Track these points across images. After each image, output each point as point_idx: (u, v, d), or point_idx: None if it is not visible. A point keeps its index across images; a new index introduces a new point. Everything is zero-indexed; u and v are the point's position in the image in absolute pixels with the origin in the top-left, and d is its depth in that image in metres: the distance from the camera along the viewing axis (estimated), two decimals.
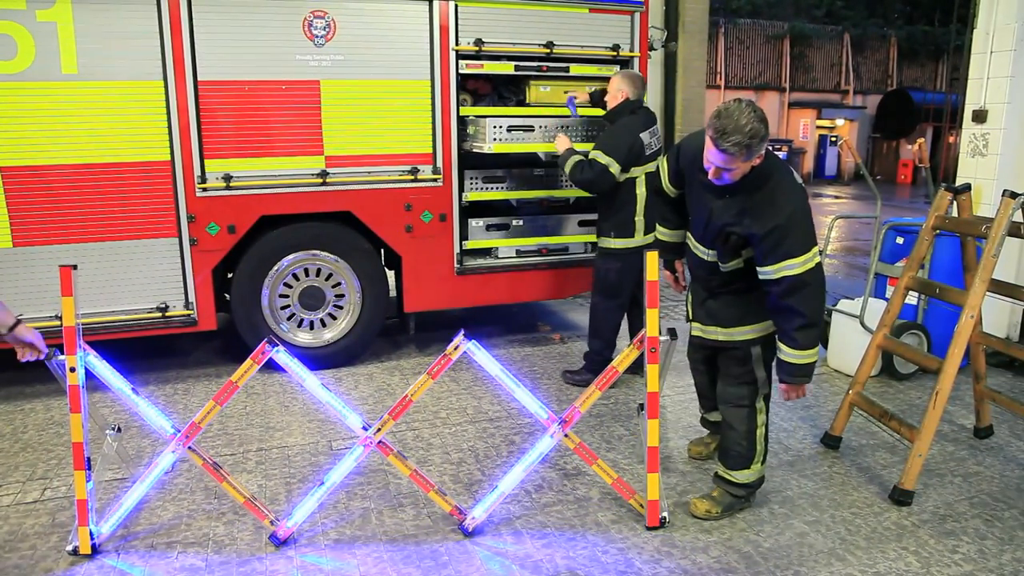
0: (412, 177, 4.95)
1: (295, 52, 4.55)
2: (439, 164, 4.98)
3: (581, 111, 5.07)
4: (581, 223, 5.43)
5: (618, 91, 4.54)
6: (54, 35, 4.11)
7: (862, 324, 4.82)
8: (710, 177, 2.84)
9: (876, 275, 5.09)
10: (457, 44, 4.86)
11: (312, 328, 5.11)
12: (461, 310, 6.02)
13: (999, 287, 3.73)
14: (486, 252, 5.36)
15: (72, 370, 2.81)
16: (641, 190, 4.52)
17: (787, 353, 2.95)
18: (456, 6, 4.80)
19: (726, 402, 3.26)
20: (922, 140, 7.23)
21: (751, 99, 2.84)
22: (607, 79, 4.76)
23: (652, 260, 2.93)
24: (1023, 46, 5.08)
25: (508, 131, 4.89)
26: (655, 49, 5.76)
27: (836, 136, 27.78)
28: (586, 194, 4.91)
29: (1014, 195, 3.38)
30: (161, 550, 2.99)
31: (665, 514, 3.18)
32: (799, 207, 2.84)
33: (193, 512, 3.28)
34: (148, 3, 4.25)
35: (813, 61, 28.39)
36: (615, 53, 5.24)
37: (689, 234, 3.24)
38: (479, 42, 4.89)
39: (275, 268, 4.87)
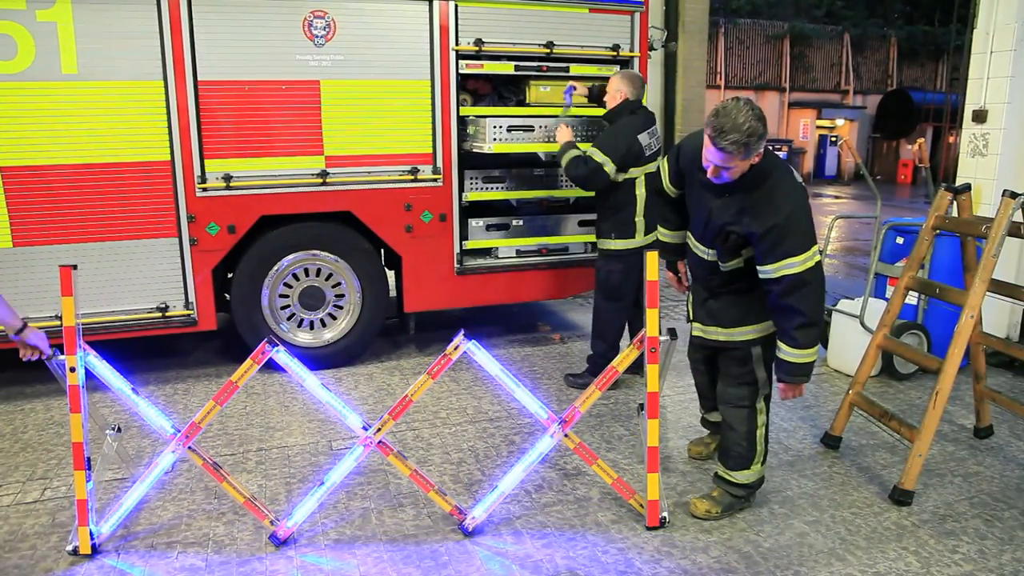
0: (412, 177, 4.95)
1: (295, 52, 4.55)
2: (439, 164, 4.99)
3: (578, 111, 5.06)
4: (581, 223, 5.43)
5: (617, 91, 4.53)
6: (54, 35, 4.11)
7: (862, 324, 4.82)
8: (709, 175, 2.84)
9: (876, 275, 5.09)
10: (457, 44, 4.86)
11: (312, 328, 5.11)
12: (461, 310, 6.02)
13: (999, 287, 3.73)
14: (486, 252, 5.36)
15: (72, 370, 2.82)
16: (641, 191, 4.52)
17: (786, 352, 2.95)
18: (456, 6, 4.80)
19: (726, 402, 3.26)
20: (922, 140, 7.24)
21: (750, 98, 2.84)
22: (607, 79, 4.76)
23: (652, 260, 2.93)
24: (1023, 46, 5.08)
25: (508, 131, 4.89)
26: (655, 49, 5.75)
27: (836, 136, 27.77)
28: (586, 193, 4.91)
29: (1014, 195, 3.38)
30: (161, 550, 3.00)
31: (665, 514, 3.18)
32: (799, 206, 2.84)
33: (193, 512, 3.28)
34: (148, 3, 4.25)
35: (813, 61, 28.39)
36: (615, 53, 5.24)
37: (689, 233, 3.24)
38: (479, 42, 4.89)
39: (275, 268, 4.87)
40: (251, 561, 2.92)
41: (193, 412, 3.47)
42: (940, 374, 3.39)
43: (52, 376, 2.91)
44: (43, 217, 4.29)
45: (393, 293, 5.42)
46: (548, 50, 5.05)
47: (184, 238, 4.57)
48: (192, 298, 4.66)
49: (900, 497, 3.38)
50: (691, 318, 3.40)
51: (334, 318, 5.13)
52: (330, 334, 5.13)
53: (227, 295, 4.98)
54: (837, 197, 21.51)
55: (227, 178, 4.57)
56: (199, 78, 4.41)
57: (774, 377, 3.12)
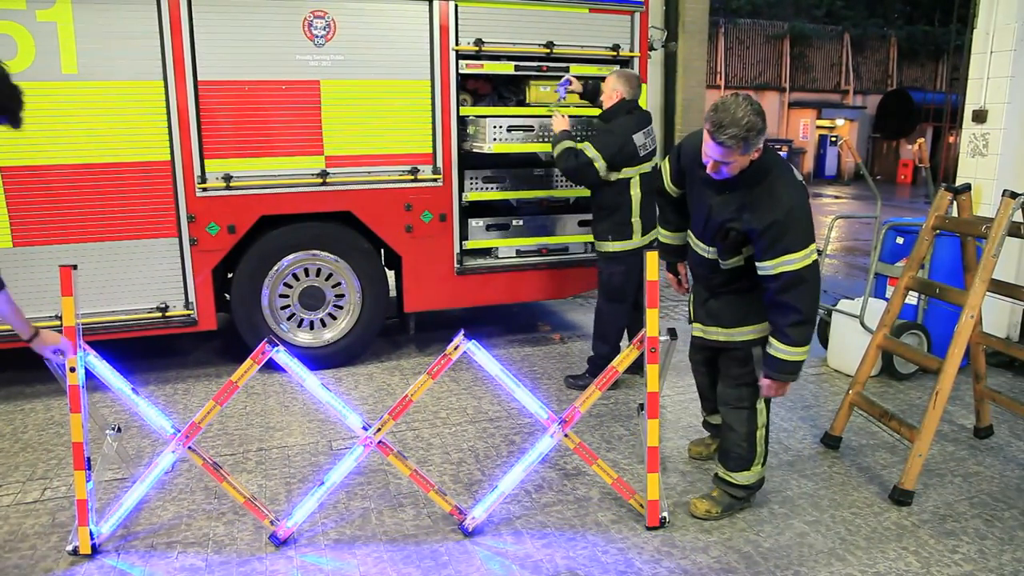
0: (412, 177, 4.95)
1: (295, 52, 4.55)
2: (439, 164, 4.99)
3: (573, 111, 5.04)
4: (581, 223, 5.43)
5: (614, 91, 4.51)
6: (54, 35, 4.11)
7: (862, 324, 4.82)
8: (708, 171, 2.85)
9: (876, 275, 5.09)
10: (457, 44, 4.86)
11: (312, 328, 5.11)
12: (461, 310, 6.02)
13: (999, 287, 3.73)
14: (486, 252, 5.36)
15: (72, 370, 2.82)
16: (635, 191, 4.50)
17: (778, 348, 2.94)
18: (456, 6, 4.80)
19: (726, 403, 3.26)
20: (922, 140, 7.24)
21: (749, 94, 2.84)
22: (603, 77, 4.75)
23: (652, 260, 2.93)
24: (1023, 46, 5.08)
25: (508, 131, 4.89)
26: (655, 49, 5.75)
27: (836, 136, 27.76)
28: (585, 192, 4.90)
29: (1014, 195, 3.38)
30: (161, 550, 3.00)
31: (665, 514, 3.18)
32: (798, 203, 2.84)
33: (193, 512, 3.28)
34: (148, 3, 4.25)
35: (813, 61, 28.38)
36: (615, 53, 5.24)
37: (690, 232, 3.24)
38: (479, 42, 4.89)
39: (275, 268, 4.87)
40: (251, 561, 2.92)
41: (193, 412, 3.47)
42: (940, 374, 3.39)
43: (52, 376, 2.91)
44: (43, 217, 4.29)
45: (393, 293, 5.42)
46: (548, 50, 5.05)
47: (184, 238, 4.57)
48: (192, 298, 4.66)
49: (900, 497, 3.38)
50: (692, 319, 3.40)
51: (334, 318, 5.13)
52: (330, 334, 5.13)
53: (227, 295, 4.98)
54: (837, 197, 21.52)
55: (227, 178, 4.57)
56: (199, 78, 4.41)
57: (754, 374, 3.11)
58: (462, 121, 5.04)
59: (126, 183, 4.41)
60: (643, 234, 4.57)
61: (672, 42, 9.03)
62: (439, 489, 3.16)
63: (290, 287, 4.97)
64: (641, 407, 3.14)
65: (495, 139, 4.86)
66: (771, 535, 3.14)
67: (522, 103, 5.33)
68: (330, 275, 5.04)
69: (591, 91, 4.89)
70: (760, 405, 3.19)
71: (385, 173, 4.89)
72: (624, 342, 4.78)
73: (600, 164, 4.36)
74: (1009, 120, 5.17)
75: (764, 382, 3.05)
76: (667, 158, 3.35)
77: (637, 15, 5.26)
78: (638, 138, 4.46)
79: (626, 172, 4.46)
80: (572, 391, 4.73)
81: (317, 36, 4.58)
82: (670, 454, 3.86)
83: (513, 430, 4.15)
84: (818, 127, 28.61)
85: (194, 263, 4.62)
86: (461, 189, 5.09)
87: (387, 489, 3.48)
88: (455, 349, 2.92)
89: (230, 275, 4.91)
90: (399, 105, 4.83)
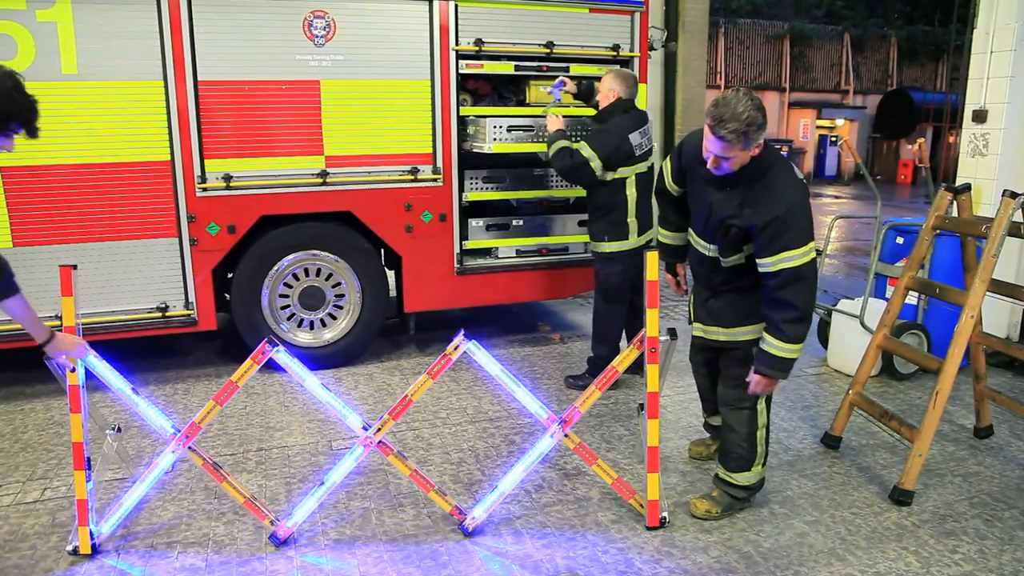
0: (412, 177, 4.95)
1: (295, 52, 4.55)
2: (439, 164, 4.98)
3: (570, 111, 5.03)
4: (581, 223, 5.42)
5: (610, 91, 4.49)
6: (54, 35, 4.11)
7: (862, 324, 4.82)
8: (709, 166, 2.85)
9: (876, 275, 5.09)
10: (457, 44, 4.86)
11: (312, 328, 5.11)
12: (461, 310, 6.02)
13: (999, 287, 3.73)
14: (486, 252, 5.36)
15: (72, 370, 2.82)
16: (631, 191, 4.49)
17: (772, 344, 2.93)
18: (456, 6, 4.80)
19: (727, 404, 3.25)
20: (922, 140, 7.24)
21: (750, 90, 2.85)
22: (597, 77, 4.73)
23: (652, 260, 2.93)
24: (1023, 46, 5.08)
25: (508, 131, 4.89)
26: (655, 49, 5.75)
27: (836, 136, 27.75)
28: (584, 193, 4.90)
29: (1014, 195, 3.38)
30: (161, 550, 3.00)
31: (665, 514, 3.18)
32: (799, 200, 2.85)
33: (193, 512, 3.28)
34: (148, 3, 4.25)
35: (813, 61, 28.37)
36: (615, 53, 5.24)
37: (691, 230, 3.24)
38: (479, 42, 4.89)
39: (275, 268, 4.87)
40: (251, 561, 2.92)
41: (193, 412, 3.47)
42: (940, 374, 3.39)
43: (52, 376, 2.91)
44: (43, 217, 4.29)
45: (393, 293, 5.42)
46: (548, 50, 5.05)
47: (184, 238, 4.57)
48: (192, 298, 4.66)
49: (900, 497, 3.38)
50: (692, 319, 3.40)
51: (334, 318, 5.13)
52: (330, 334, 5.13)
53: (227, 295, 4.98)
54: (837, 197, 21.52)
55: (227, 178, 4.57)
56: (199, 78, 4.41)
57: (750, 375, 3.09)
58: (462, 121, 5.04)
59: (126, 183, 4.41)
60: (639, 234, 4.56)
61: (672, 42, 9.02)
62: (439, 489, 3.16)
63: (290, 287, 4.97)
64: (641, 407, 3.14)
65: (495, 139, 4.86)
66: (771, 535, 3.14)
67: (522, 103, 5.32)
68: (330, 275, 5.04)
69: (585, 91, 4.87)
70: (761, 406, 3.19)
71: (385, 173, 4.89)
72: (623, 342, 4.78)
73: (596, 164, 4.35)
74: (1009, 120, 5.17)
75: (753, 378, 3.03)
76: (668, 157, 3.35)
77: (637, 15, 5.26)
78: (634, 138, 4.44)
79: (622, 172, 4.45)
80: (572, 391, 4.73)
81: (317, 36, 4.58)
82: (670, 454, 3.86)
83: (513, 430, 4.15)
84: (818, 127, 28.61)
85: (194, 263, 4.62)
86: (461, 189, 5.09)
87: (387, 489, 3.48)
88: (455, 349, 2.92)
89: (230, 275, 4.91)
90: (399, 105, 4.83)
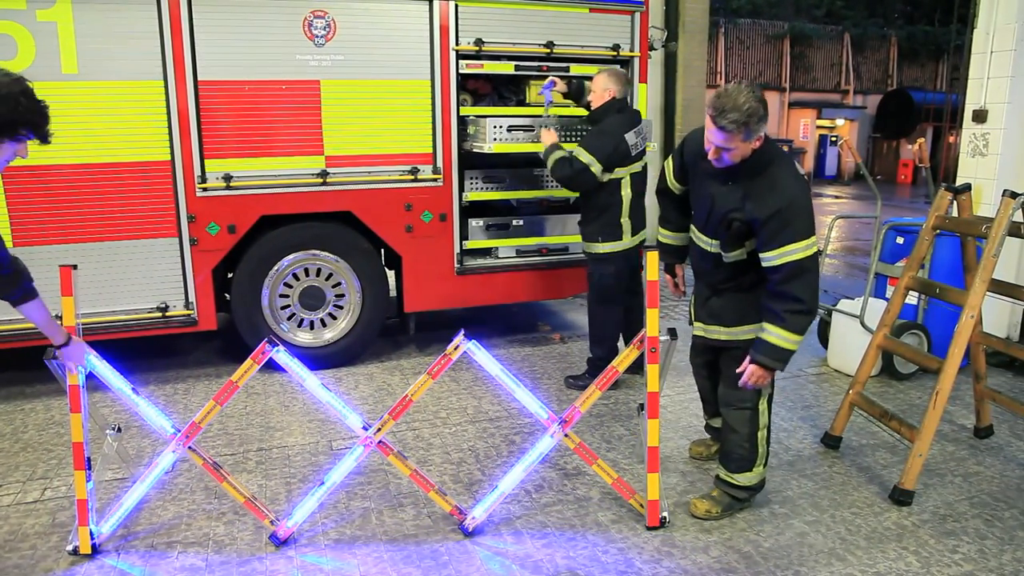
0: (412, 177, 4.95)
1: (295, 52, 4.55)
2: (439, 164, 4.98)
3: (558, 111, 5.00)
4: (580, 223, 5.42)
5: (604, 90, 4.45)
6: (54, 35, 4.11)
7: (862, 324, 4.82)
8: (710, 157, 2.86)
9: (876, 275, 5.09)
10: (457, 44, 4.86)
11: (312, 328, 5.11)
12: (461, 310, 6.02)
13: (999, 287, 3.73)
14: (486, 252, 5.36)
15: (72, 370, 2.82)
16: (626, 191, 4.48)
17: (773, 332, 2.90)
18: (456, 6, 4.80)
19: (728, 404, 3.25)
20: (922, 140, 7.23)
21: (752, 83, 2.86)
22: (588, 77, 4.71)
23: (652, 260, 2.93)
24: (1023, 46, 5.08)
25: (508, 131, 4.88)
26: (655, 49, 5.74)
27: (836, 136, 27.75)
28: (578, 193, 4.89)
29: (1014, 195, 3.38)
30: (161, 550, 3.00)
31: (665, 514, 3.18)
32: (800, 194, 2.87)
33: (193, 512, 3.28)
34: (148, 3, 4.25)
35: (813, 61, 28.37)
36: (615, 53, 5.23)
37: (693, 226, 3.24)
38: (479, 42, 4.89)
39: (275, 268, 4.87)
40: (251, 561, 2.92)
41: (193, 412, 3.47)
42: (940, 374, 3.38)
43: (52, 376, 2.91)
44: (43, 217, 4.29)
45: (393, 293, 5.42)
46: (548, 50, 5.05)
47: (184, 238, 4.57)
48: (192, 298, 4.66)
49: (900, 497, 3.38)
50: (693, 319, 3.40)
51: (334, 318, 5.13)
52: (330, 334, 5.13)
53: (227, 295, 4.98)
54: (837, 197, 21.51)
55: (227, 178, 4.57)
56: (199, 78, 4.41)
57: (776, 377, 3.08)
58: (462, 121, 5.04)
59: (126, 183, 4.41)
60: (632, 235, 4.56)
61: (672, 42, 9.02)
62: (439, 489, 3.16)
63: (290, 287, 4.97)
64: (641, 407, 3.14)
65: (495, 139, 4.85)
66: (771, 535, 3.14)
67: (522, 103, 5.32)
68: (330, 275, 5.04)
69: (576, 91, 4.84)
70: (762, 406, 3.19)
71: (385, 173, 4.89)
72: (620, 343, 4.78)
73: (596, 168, 4.33)
74: (1009, 120, 5.17)
75: (748, 368, 2.98)
76: (670, 156, 3.36)
77: (637, 15, 5.26)
78: (630, 137, 4.43)
79: (618, 172, 4.44)
80: (572, 391, 4.73)
81: (317, 36, 4.58)
82: (670, 454, 3.86)
83: (513, 430, 4.15)
84: (818, 127, 28.60)
85: (194, 263, 4.62)
86: (461, 189, 5.09)
87: (387, 489, 3.48)
88: (455, 349, 2.92)
89: (230, 275, 4.91)
90: (399, 105, 4.83)
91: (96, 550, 2.96)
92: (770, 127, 2.96)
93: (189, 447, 2.97)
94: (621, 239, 4.53)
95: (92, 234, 4.41)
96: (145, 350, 5.31)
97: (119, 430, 3.14)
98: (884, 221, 5.29)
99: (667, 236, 3.53)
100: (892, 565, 2.93)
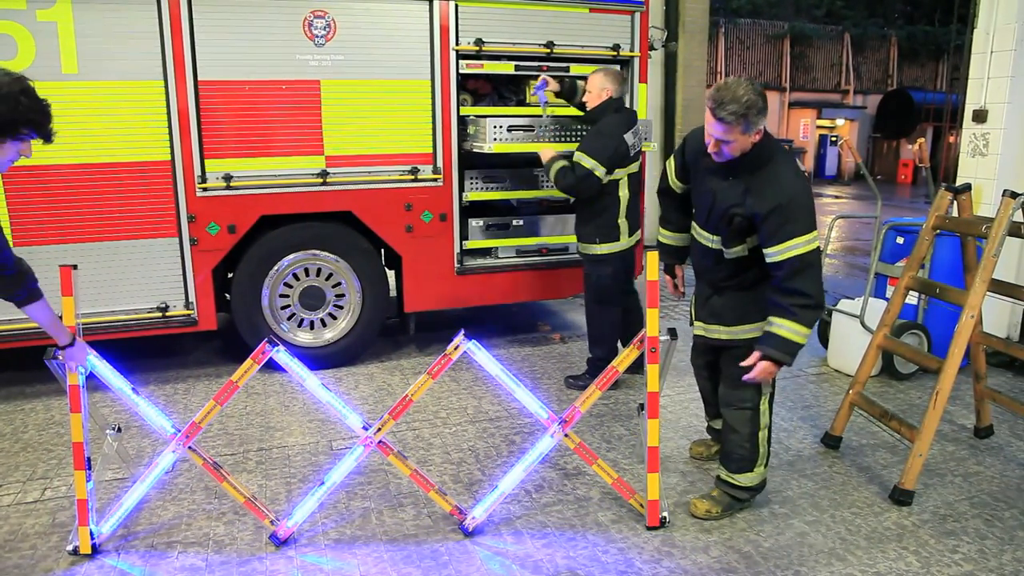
0: (412, 177, 4.95)
1: (295, 52, 4.55)
2: (439, 164, 4.98)
3: (555, 111, 4.98)
4: None
5: (602, 89, 4.41)
6: (54, 35, 4.11)
7: (862, 324, 4.82)
8: (710, 150, 2.88)
9: (876, 275, 5.08)
10: (457, 44, 4.86)
11: (312, 328, 5.11)
12: (461, 310, 6.02)
13: (999, 287, 3.73)
14: (486, 252, 5.36)
15: (72, 370, 2.81)
16: (624, 192, 4.47)
17: (783, 326, 2.88)
18: (456, 6, 4.80)
19: (729, 405, 3.25)
20: (922, 140, 7.23)
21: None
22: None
23: (652, 260, 2.93)
24: (1023, 46, 5.08)
25: (508, 131, 4.88)
26: (655, 49, 5.74)
27: (836, 136, 27.75)
28: None
29: (1014, 195, 3.38)
30: (161, 550, 3.00)
31: (665, 514, 3.18)
32: (801, 189, 2.88)
33: (193, 512, 3.28)
34: (148, 3, 4.25)
35: (813, 61, 28.37)
36: (615, 53, 5.23)
37: (694, 223, 3.24)
38: (479, 42, 4.89)
39: (275, 268, 4.87)
40: (251, 561, 2.92)
41: (193, 412, 3.47)
42: (940, 374, 3.38)
43: (52, 376, 2.91)
44: (43, 217, 4.29)
45: (393, 293, 5.42)
46: (548, 50, 5.05)
47: (184, 238, 4.57)
48: (192, 298, 4.66)
49: (900, 497, 3.38)
50: (693, 319, 3.40)
51: (334, 318, 5.13)
52: (330, 334, 5.13)
53: (227, 295, 4.98)
54: (837, 197, 21.51)
55: (227, 178, 4.57)
56: (199, 78, 4.41)
57: (777, 376, 3.07)
58: (462, 121, 5.04)
59: (126, 183, 4.41)
60: (629, 235, 4.55)
61: (672, 42, 9.03)
62: (439, 489, 3.16)
63: (290, 287, 4.97)
64: (641, 407, 3.13)
65: (495, 139, 4.85)
66: (771, 535, 3.14)
67: (522, 103, 5.33)
68: (330, 275, 5.04)
69: (568, 89, 4.79)
70: (763, 406, 3.19)
71: (385, 173, 4.89)
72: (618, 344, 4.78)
73: (599, 171, 4.30)
74: (1009, 120, 5.17)
75: (761, 364, 2.93)
76: (672, 156, 3.37)
77: (637, 15, 5.26)
78: (628, 137, 4.42)
79: (617, 173, 4.42)
80: (572, 391, 4.73)
81: (317, 36, 4.58)
82: (670, 454, 3.85)
83: (513, 430, 4.15)
84: (818, 127, 28.60)
85: (194, 263, 4.62)
86: (461, 189, 5.09)
87: (387, 489, 3.48)
88: (455, 349, 2.92)
89: (230, 275, 4.91)
90: (399, 105, 4.83)
91: (96, 550, 2.96)
92: (770, 127, 2.97)
93: (189, 447, 2.97)
94: (619, 240, 4.52)
95: (92, 234, 4.41)
96: (145, 350, 5.31)
97: (119, 430, 3.14)
98: (884, 221, 5.29)
99: (668, 237, 3.53)
100: (892, 565, 2.93)
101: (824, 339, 5.45)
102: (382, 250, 5.19)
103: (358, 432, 3.02)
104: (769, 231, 2.85)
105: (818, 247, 2.86)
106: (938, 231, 3.87)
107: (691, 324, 3.43)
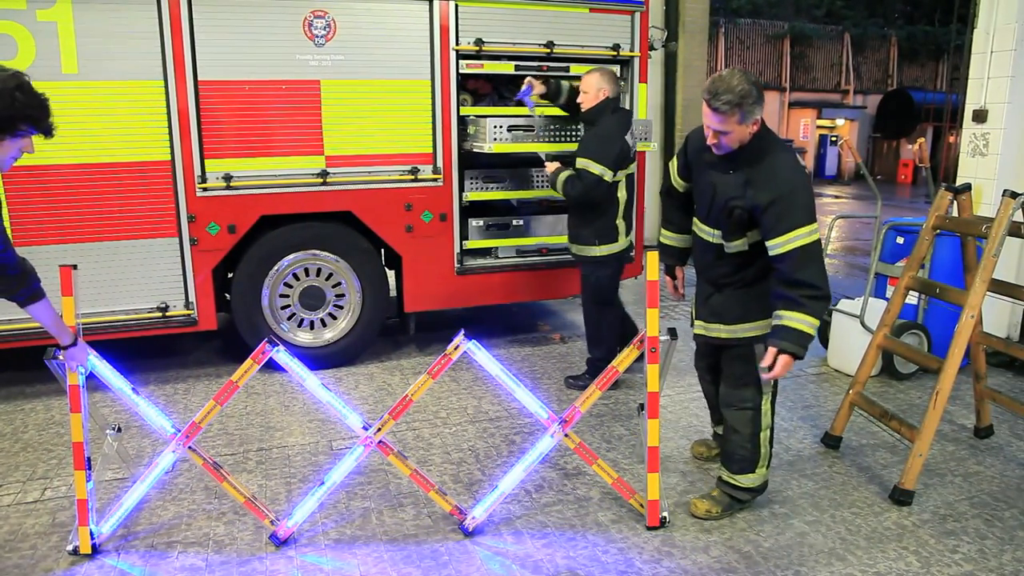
0: (412, 177, 4.94)
1: (295, 52, 4.55)
2: (439, 164, 4.98)
3: (543, 110, 4.96)
4: None
5: (599, 90, 4.37)
6: (54, 35, 4.11)
7: (862, 324, 4.82)
8: (709, 142, 2.90)
9: (876, 275, 5.08)
10: (457, 44, 4.86)
11: (312, 328, 5.11)
12: (461, 310, 6.02)
13: (999, 287, 3.73)
14: (486, 252, 5.36)
15: (72, 370, 2.82)
16: (622, 193, 4.46)
17: (795, 318, 2.84)
18: (456, 6, 4.80)
19: (730, 405, 3.24)
20: (922, 140, 7.24)
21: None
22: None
23: (652, 260, 2.93)
24: (1023, 46, 5.08)
25: (508, 131, 4.88)
26: (655, 49, 5.74)
27: (836, 136, 27.75)
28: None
29: (1014, 195, 3.38)
30: (161, 550, 3.00)
31: (665, 514, 3.18)
32: (800, 181, 2.89)
33: (193, 512, 3.28)
34: (148, 3, 4.25)
35: (813, 61, 28.37)
36: (615, 53, 5.23)
37: (695, 219, 3.24)
38: (479, 42, 4.89)
39: (275, 268, 4.87)
40: (251, 561, 2.92)
41: (193, 412, 3.47)
42: (940, 374, 3.38)
43: (52, 376, 2.91)
44: (43, 217, 4.29)
45: (393, 293, 5.42)
46: (548, 50, 5.05)
47: (184, 238, 4.57)
48: (192, 298, 4.66)
49: (900, 497, 3.38)
50: (694, 318, 3.39)
51: (334, 318, 5.13)
52: (330, 334, 5.13)
53: (227, 295, 4.98)
54: (837, 197, 21.51)
55: (227, 178, 4.57)
56: (199, 78, 4.41)
57: (759, 371, 3.05)
58: (462, 121, 5.04)
59: (126, 183, 4.41)
60: (626, 235, 4.55)
61: (672, 42, 9.03)
62: (439, 489, 3.16)
63: (290, 287, 4.97)
64: (641, 407, 3.13)
65: (495, 139, 4.85)
66: (771, 535, 3.14)
67: (522, 103, 5.31)
68: (330, 275, 5.04)
69: (554, 91, 4.75)
70: (765, 406, 3.18)
71: (385, 173, 4.89)
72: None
73: (608, 176, 4.28)
74: (1009, 120, 5.17)
75: (781, 359, 2.86)
76: (675, 155, 3.38)
77: (637, 15, 5.26)
78: (627, 138, 4.42)
79: (619, 174, 4.42)
80: (572, 391, 4.73)
81: (317, 36, 4.58)
82: (670, 454, 3.85)
83: (513, 430, 4.15)
84: (818, 127, 28.60)
85: (194, 263, 4.62)
86: (461, 189, 5.09)
87: (387, 489, 3.48)
88: (455, 349, 2.92)
89: (230, 275, 4.91)
90: (399, 105, 4.83)
91: (96, 550, 2.96)
92: (770, 127, 2.98)
93: (189, 447, 2.97)
94: (617, 240, 4.52)
95: (92, 234, 4.41)
96: (145, 350, 5.31)
97: (119, 430, 3.14)
98: (884, 221, 5.29)
99: (669, 238, 3.53)
100: (892, 565, 2.93)
101: (824, 339, 5.44)
102: (382, 250, 5.18)
103: (358, 432, 3.02)
104: (770, 223, 2.85)
105: (819, 239, 2.87)
106: (938, 231, 3.87)
107: (692, 325, 3.43)
